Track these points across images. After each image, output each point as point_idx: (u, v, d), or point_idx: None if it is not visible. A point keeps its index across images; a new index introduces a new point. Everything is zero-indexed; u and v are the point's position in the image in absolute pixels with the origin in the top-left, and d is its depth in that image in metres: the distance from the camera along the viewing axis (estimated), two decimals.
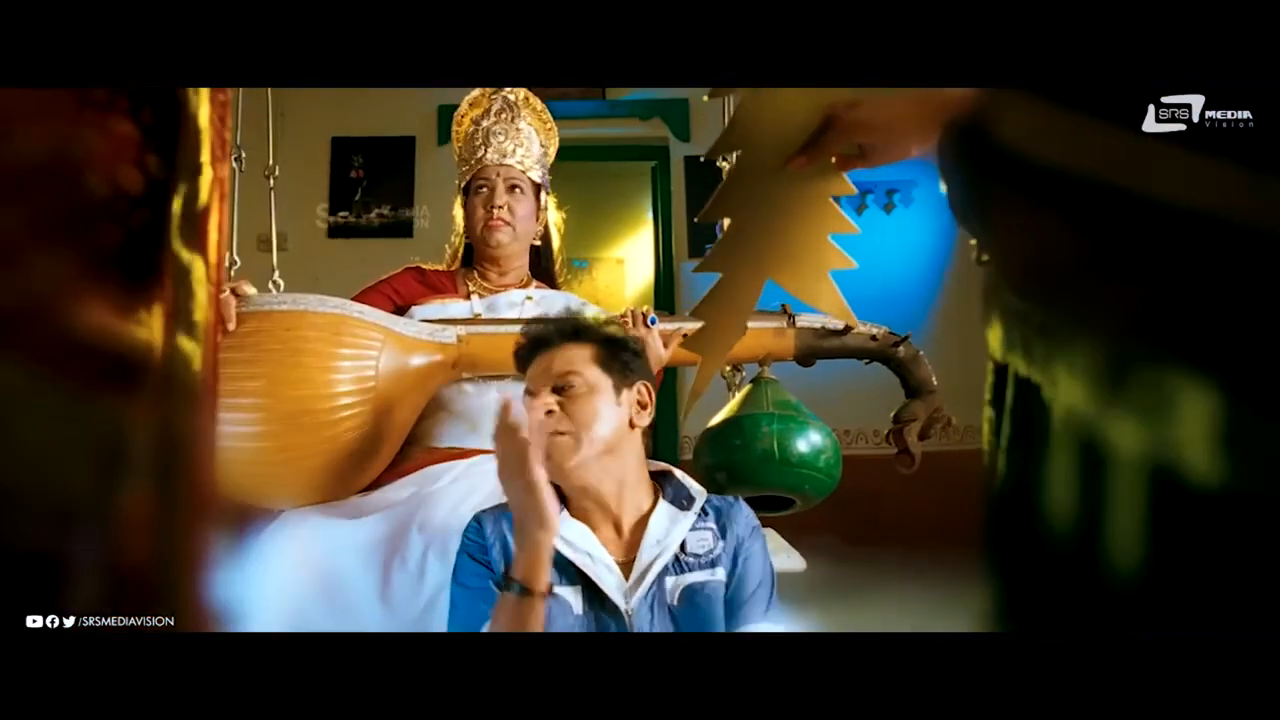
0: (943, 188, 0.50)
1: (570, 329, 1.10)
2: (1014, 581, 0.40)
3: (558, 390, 1.06)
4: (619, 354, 1.09)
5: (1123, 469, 0.31)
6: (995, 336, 0.39)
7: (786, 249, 0.69)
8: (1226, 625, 0.30)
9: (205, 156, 0.34)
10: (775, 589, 1.12)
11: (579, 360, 1.07)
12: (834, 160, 0.64)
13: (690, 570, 1.05)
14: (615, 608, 1.00)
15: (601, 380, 1.07)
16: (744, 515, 1.13)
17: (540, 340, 1.11)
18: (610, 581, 1.02)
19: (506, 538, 1.05)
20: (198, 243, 0.34)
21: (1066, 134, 0.34)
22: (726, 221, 0.72)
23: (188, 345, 0.33)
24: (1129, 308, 0.31)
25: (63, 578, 0.29)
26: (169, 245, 0.32)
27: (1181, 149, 0.30)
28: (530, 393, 1.09)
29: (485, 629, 0.99)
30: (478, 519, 1.09)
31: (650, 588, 1.02)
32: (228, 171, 0.37)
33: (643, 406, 1.10)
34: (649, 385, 1.11)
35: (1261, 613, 0.29)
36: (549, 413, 1.05)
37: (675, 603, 1.02)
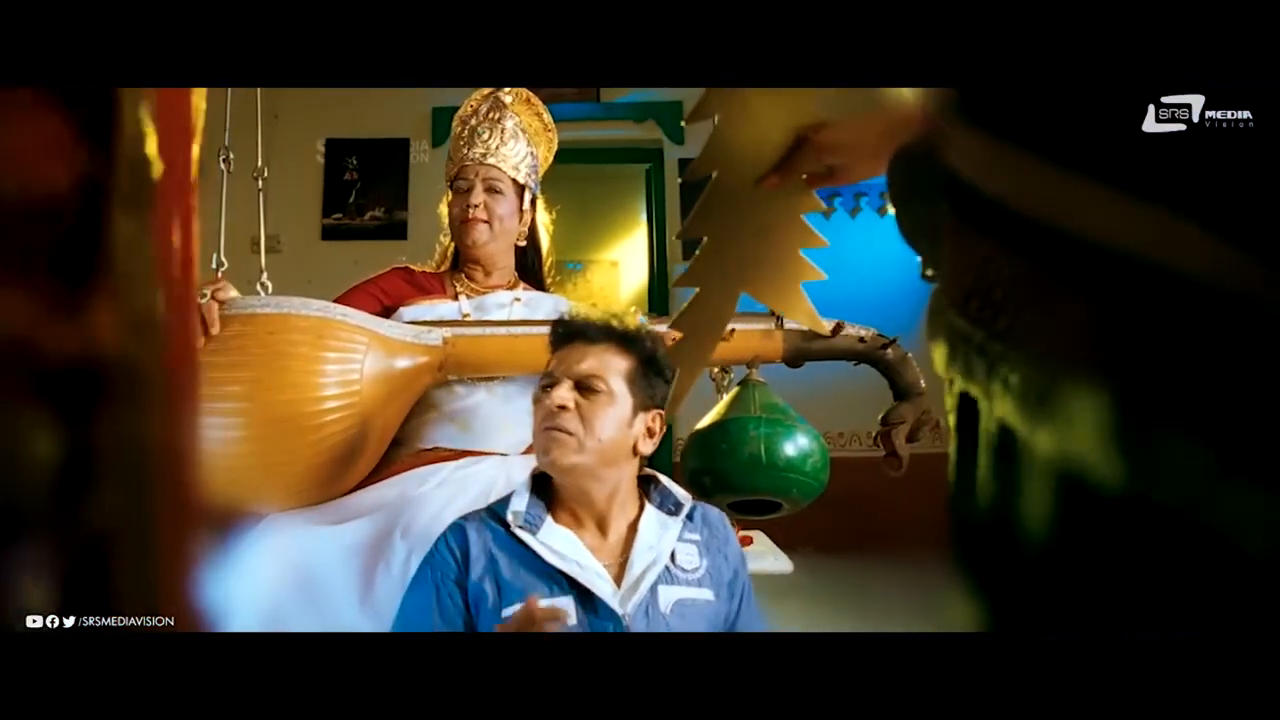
0: (890, 209, 0.53)
1: (619, 334, 1.08)
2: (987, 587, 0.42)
3: (579, 388, 1.04)
4: (650, 377, 1.07)
5: (1044, 478, 0.33)
6: (940, 354, 0.40)
7: (760, 263, 0.73)
8: (1135, 625, 0.32)
9: (151, 151, 0.32)
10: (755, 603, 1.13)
11: (613, 368, 1.05)
12: (804, 179, 0.68)
13: (679, 583, 1.04)
14: (611, 613, 0.99)
15: (625, 396, 1.05)
16: (730, 540, 1.13)
17: (582, 331, 1.08)
18: (605, 589, 1.01)
19: (494, 553, 1.03)
20: (149, 241, 0.32)
21: (1009, 169, 0.35)
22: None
23: (136, 347, 0.32)
24: (1058, 332, 0.32)
25: (38, 589, 0.28)
26: (109, 246, 0.31)
27: (1110, 192, 0.31)
28: (550, 382, 1.06)
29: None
30: (462, 529, 1.06)
31: (645, 596, 1.01)
32: (195, 170, 0.37)
33: (650, 435, 1.09)
34: (663, 417, 1.09)
35: (1188, 613, 0.31)
36: (562, 408, 1.03)
37: (668, 613, 1.02)
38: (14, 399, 0.27)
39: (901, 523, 2.84)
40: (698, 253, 0.71)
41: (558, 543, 1.03)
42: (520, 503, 1.06)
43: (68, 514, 0.29)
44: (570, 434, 1.02)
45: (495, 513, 1.07)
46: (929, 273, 0.50)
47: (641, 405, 1.07)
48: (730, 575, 1.09)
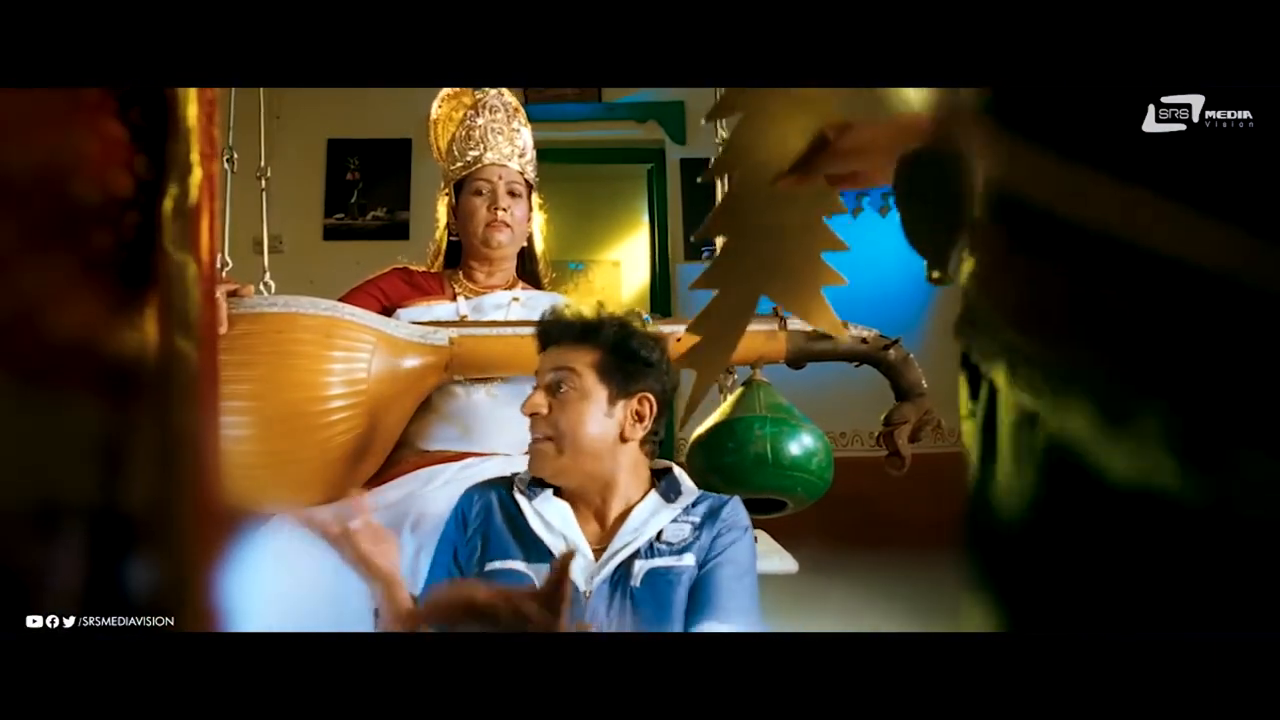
0: (891, 209, 0.52)
1: (580, 329, 1.09)
2: (1009, 589, 0.41)
3: (551, 389, 1.06)
4: (625, 364, 1.07)
5: (1114, 491, 0.32)
6: (999, 373, 0.39)
7: (780, 267, 0.71)
8: (1196, 628, 0.32)
9: (195, 155, 0.34)
10: (756, 591, 1.10)
11: (580, 363, 1.06)
12: (825, 180, 0.65)
13: (660, 555, 1.04)
14: (574, 587, 0.99)
15: (596, 389, 1.06)
16: (734, 515, 1.12)
17: (547, 333, 1.12)
18: (577, 563, 1.01)
19: (491, 513, 1.08)
20: (190, 242, 0.33)
21: (1054, 179, 0.35)
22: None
23: (184, 345, 0.33)
24: (1119, 343, 0.32)
25: (60, 581, 0.29)
26: (161, 246, 0.32)
27: (1160, 198, 0.31)
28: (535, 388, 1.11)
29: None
30: (470, 494, 1.12)
31: (616, 570, 1.02)
32: (217, 169, 0.37)
33: (639, 419, 1.08)
34: (652, 398, 1.09)
35: (1233, 617, 0.31)
36: (535, 414, 1.07)
37: (636, 584, 1.02)
38: (76, 391, 0.28)
39: (904, 522, 2.85)
40: (716, 255, 0.70)
41: (550, 514, 1.06)
42: (529, 472, 1.10)
43: (112, 506, 0.29)
44: (548, 440, 1.05)
45: (508, 477, 1.13)
46: (935, 275, 0.50)
47: (620, 393, 1.07)
48: (708, 545, 1.06)
